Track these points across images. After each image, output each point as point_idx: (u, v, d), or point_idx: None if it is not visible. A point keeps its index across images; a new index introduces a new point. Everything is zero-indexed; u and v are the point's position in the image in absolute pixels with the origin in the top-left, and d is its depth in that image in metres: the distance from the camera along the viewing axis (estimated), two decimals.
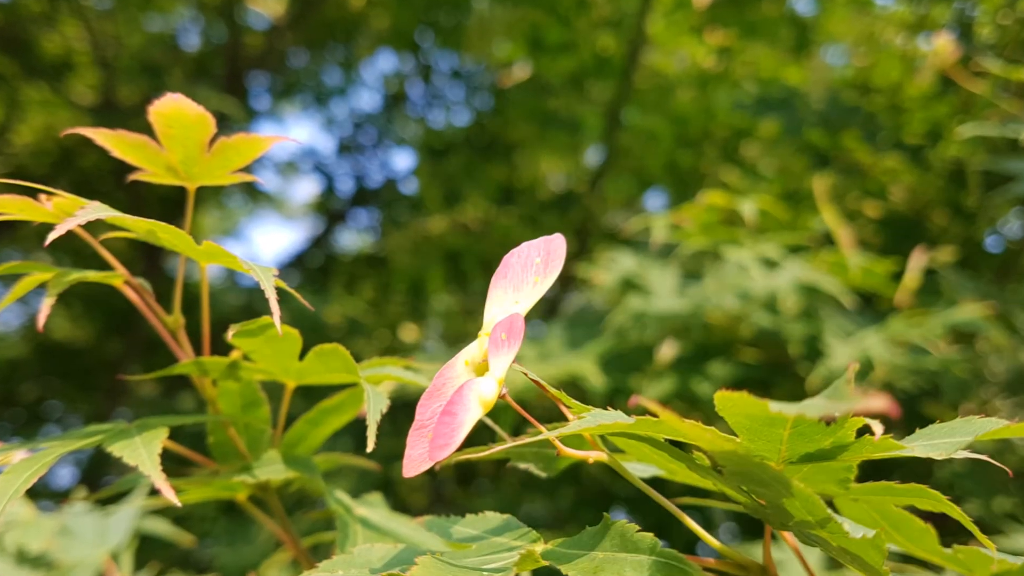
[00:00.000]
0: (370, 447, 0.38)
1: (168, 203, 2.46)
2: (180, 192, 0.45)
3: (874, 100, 1.48)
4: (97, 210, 0.37)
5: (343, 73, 2.86)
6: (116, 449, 0.39)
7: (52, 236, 0.36)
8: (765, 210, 1.26)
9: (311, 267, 2.92)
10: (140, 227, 0.40)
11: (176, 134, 0.43)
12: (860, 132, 1.40)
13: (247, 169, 0.45)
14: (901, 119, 1.43)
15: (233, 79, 2.59)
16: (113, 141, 0.43)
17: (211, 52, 2.72)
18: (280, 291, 0.38)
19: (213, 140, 0.44)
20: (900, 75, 1.46)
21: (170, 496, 0.37)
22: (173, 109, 0.42)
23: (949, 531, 0.38)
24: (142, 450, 0.39)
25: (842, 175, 1.43)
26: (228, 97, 2.25)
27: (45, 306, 0.40)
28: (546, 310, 1.93)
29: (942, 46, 1.29)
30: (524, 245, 0.35)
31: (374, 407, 0.40)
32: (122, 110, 2.38)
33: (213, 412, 0.48)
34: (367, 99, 3.31)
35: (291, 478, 0.47)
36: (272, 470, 0.45)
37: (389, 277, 2.56)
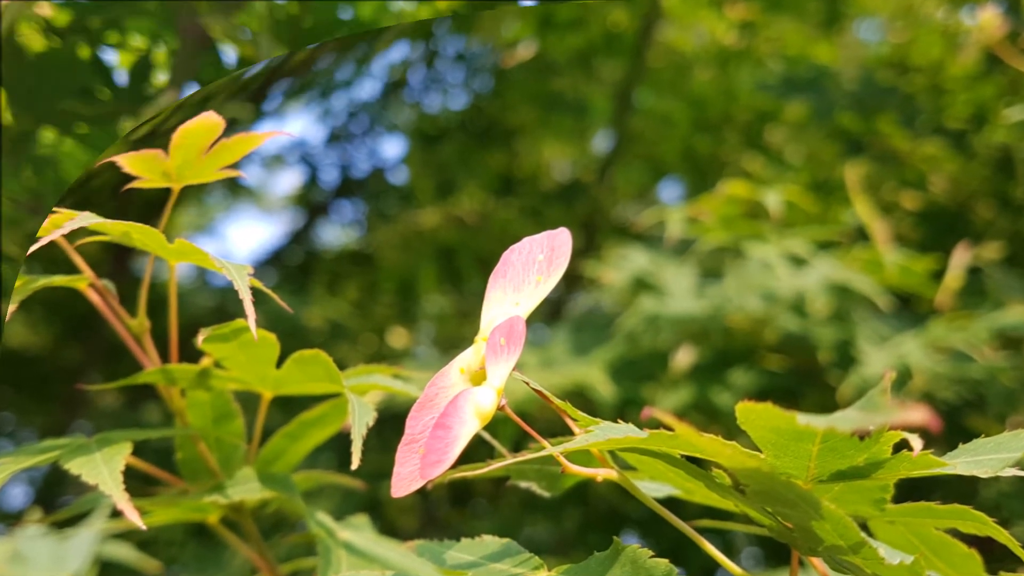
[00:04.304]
0: (355, 464, 0.38)
1: (151, 204, 2.46)
2: (162, 190, 0.45)
3: (912, 80, 1.48)
4: (87, 219, 0.38)
5: (355, 68, 2.86)
6: (74, 466, 0.39)
7: (34, 247, 0.37)
8: (792, 202, 1.25)
9: (290, 265, 2.92)
10: (116, 230, 0.40)
11: (183, 143, 0.43)
12: (897, 115, 1.40)
13: (234, 164, 0.45)
14: (942, 101, 1.43)
15: None
16: (131, 162, 0.43)
17: None
18: (255, 291, 0.38)
19: (214, 143, 0.44)
20: (941, 53, 1.46)
21: (134, 518, 0.37)
22: (196, 122, 0.43)
23: (995, 556, 0.38)
24: (103, 467, 0.39)
25: (877, 163, 1.43)
26: (247, 104, 2.25)
27: (7, 313, 0.40)
28: (550, 312, 1.93)
29: (988, 20, 1.29)
30: (525, 240, 0.35)
31: (359, 420, 0.40)
32: None
33: (181, 425, 0.48)
34: (368, 88, 3.31)
35: (268, 498, 0.47)
36: (247, 489, 0.45)
37: (376, 276, 2.56)
